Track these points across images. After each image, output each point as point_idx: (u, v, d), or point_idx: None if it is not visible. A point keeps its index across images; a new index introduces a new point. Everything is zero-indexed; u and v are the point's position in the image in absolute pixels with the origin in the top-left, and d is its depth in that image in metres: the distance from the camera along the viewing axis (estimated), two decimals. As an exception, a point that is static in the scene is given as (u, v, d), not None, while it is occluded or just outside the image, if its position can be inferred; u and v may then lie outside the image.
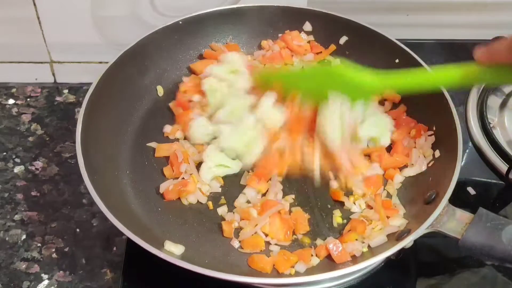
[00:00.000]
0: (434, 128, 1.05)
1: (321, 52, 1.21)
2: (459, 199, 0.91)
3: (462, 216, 0.87)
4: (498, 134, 1.13)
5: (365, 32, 1.16)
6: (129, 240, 0.86)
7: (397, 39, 1.13)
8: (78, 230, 1.05)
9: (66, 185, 1.11)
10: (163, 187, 1.00)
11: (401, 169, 1.04)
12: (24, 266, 1.00)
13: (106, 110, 1.05)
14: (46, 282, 0.98)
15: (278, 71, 1.15)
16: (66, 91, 1.29)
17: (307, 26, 1.21)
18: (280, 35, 1.21)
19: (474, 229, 0.85)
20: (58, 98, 1.27)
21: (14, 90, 1.28)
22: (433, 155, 1.02)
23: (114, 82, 1.06)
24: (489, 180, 1.09)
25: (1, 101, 1.26)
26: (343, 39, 1.20)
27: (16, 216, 1.07)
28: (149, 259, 0.84)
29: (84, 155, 0.93)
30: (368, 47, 1.16)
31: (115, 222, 0.86)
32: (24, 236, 1.04)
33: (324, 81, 0.97)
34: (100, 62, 1.27)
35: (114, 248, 1.03)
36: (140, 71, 1.12)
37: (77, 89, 1.29)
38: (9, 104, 1.25)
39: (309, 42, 1.21)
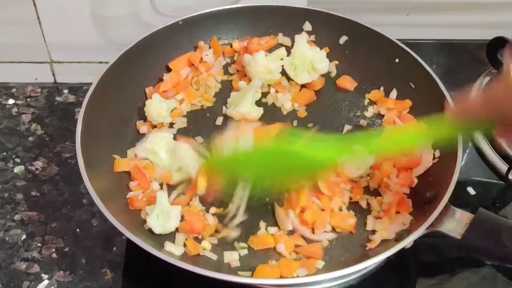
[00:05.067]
0: (434, 128, 1.05)
1: (321, 52, 1.21)
2: (459, 199, 0.91)
3: (462, 216, 0.87)
4: (498, 134, 1.13)
5: (365, 32, 1.15)
6: (129, 240, 0.86)
7: (397, 39, 1.13)
8: (78, 230, 1.05)
9: (66, 185, 1.11)
10: (130, 195, 0.98)
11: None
12: (24, 266, 1.00)
13: (106, 110, 1.05)
14: (46, 282, 0.98)
15: (226, 156, 0.98)
16: (66, 91, 1.28)
17: (307, 26, 1.21)
18: (280, 34, 1.21)
19: (474, 229, 0.85)
20: (58, 98, 1.27)
21: (14, 90, 1.28)
22: (433, 155, 1.02)
23: (114, 82, 1.06)
24: (489, 180, 1.08)
25: (1, 101, 1.26)
26: (343, 39, 1.19)
27: (16, 216, 1.07)
28: (149, 259, 0.84)
29: (84, 155, 0.94)
30: (368, 47, 1.16)
31: (115, 223, 0.86)
32: (24, 236, 1.04)
33: (280, 161, 0.90)
34: (100, 62, 1.27)
35: (114, 248, 1.03)
36: (140, 71, 1.12)
37: (77, 89, 1.29)
38: (9, 104, 1.25)
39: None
